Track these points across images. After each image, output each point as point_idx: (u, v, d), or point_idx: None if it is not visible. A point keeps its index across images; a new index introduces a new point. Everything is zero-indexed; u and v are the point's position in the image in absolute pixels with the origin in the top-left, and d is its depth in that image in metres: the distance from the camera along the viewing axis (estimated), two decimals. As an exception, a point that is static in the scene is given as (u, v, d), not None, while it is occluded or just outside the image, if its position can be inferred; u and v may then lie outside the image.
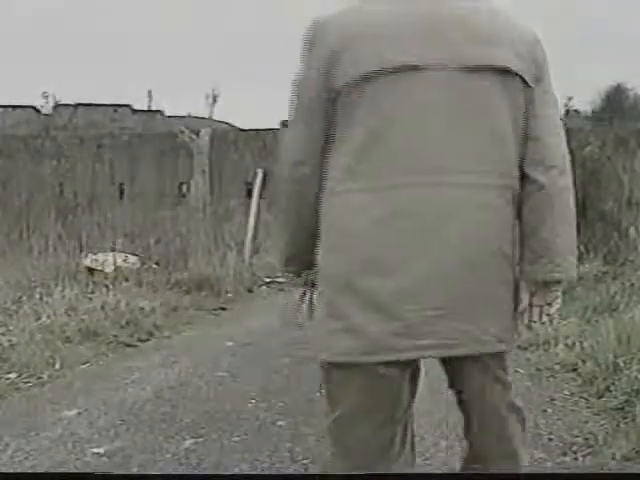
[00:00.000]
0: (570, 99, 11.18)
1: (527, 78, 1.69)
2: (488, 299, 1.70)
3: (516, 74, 1.67)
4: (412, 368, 1.72)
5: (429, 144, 1.64)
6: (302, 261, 1.82)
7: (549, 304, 1.84)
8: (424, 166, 1.63)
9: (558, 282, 1.78)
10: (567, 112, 11.06)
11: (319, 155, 1.71)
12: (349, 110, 1.66)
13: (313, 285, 1.81)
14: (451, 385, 1.83)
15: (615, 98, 23.42)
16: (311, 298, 1.86)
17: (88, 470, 2.92)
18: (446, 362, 1.76)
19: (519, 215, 1.73)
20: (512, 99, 1.69)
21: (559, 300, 1.86)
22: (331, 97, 1.67)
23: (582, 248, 8.87)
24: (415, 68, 1.63)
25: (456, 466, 2.18)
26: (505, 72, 1.66)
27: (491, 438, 1.78)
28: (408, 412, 1.76)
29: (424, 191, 1.63)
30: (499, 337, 1.72)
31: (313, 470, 2.92)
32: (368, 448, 1.71)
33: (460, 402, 1.82)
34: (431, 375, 1.99)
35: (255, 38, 66.22)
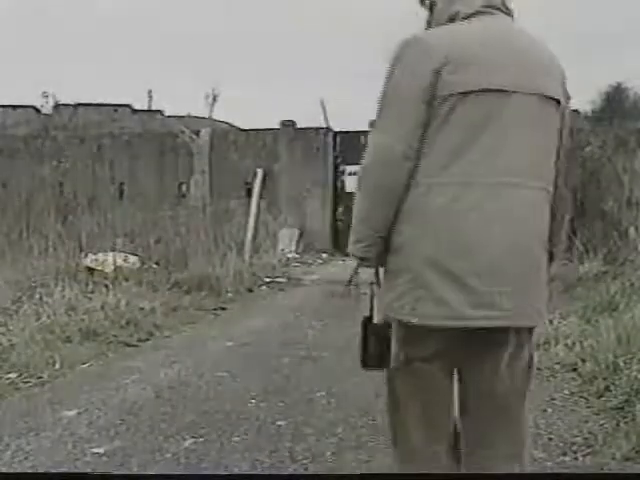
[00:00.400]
0: (569, 99, 11.20)
1: (562, 103, 2.18)
2: (537, 282, 2.10)
3: (559, 102, 2.15)
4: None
5: (505, 154, 2.05)
6: (380, 243, 2.12)
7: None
8: (498, 171, 2.04)
9: None
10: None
11: (417, 152, 2.06)
12: (446, 118, 2.04)
13: (381, 264, 2.15)
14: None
15: (615, 98, 23.42)
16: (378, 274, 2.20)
17: (88, 470, 2.92)
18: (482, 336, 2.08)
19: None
20: (559, 123, 2.18)
21: None
22: (432, 105, 2.03)
23: (582, 248, 8.88)
24: (506, 92, 2.05)
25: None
26: (557, 102, 2.14)
27: (518, 388, 2.20)
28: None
29: (496, 190, 2.03)
30: (540, 314, 2.14)
31: (313, 470, 2.93)
32: (432, 389, 2.14)
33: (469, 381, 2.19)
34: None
35: (255, 38, 66.20)
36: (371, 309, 2.18)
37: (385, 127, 2.14)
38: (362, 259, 2.20)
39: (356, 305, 4.73)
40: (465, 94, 2.03)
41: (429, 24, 2.27)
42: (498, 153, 2.05)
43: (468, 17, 2.18)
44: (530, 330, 2.18)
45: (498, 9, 2.19)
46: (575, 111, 11.17)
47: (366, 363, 2.17)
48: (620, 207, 9.16)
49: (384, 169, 2.09)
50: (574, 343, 4.97)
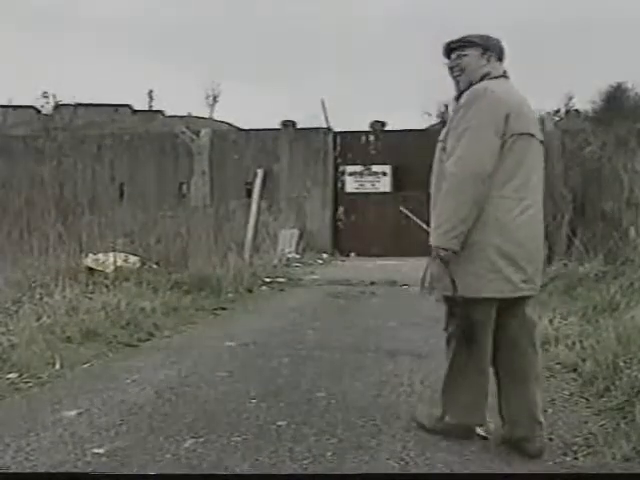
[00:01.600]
0: (570, 99, 11.20)
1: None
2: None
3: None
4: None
5: (534, 178, 3.20)
6: (463, 236, 3.06)
7: None
8: (534, 190, 3.20)
9: None
10: (567, 112, 11.03)
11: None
12: (506, 150, 3.09)
13: (455, 253, 3.07)
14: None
15: (615, 98, 23.42)
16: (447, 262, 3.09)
17: (89, 470, 2.92)
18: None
19: None
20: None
21: None
22: (501, 140, 3.08)
23: (582, 248, 8.87)
24: (534, 136, 3.20)
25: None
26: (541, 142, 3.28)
27: (527, 334, 3.29)
28: None
29: (534, 203, 3.19)
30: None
31: (313, 470, 2.93)
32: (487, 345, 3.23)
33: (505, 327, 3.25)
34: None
35: (256, 38, 66.23)
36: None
37: (475, 153, 3.05)
38: (452, 250, 3.07)
39: (355, 306, 4.74)
40: (520, 135, 3.11)
41: (459, 81, 3.29)
42: (531, 177, 3.17)
43: (495, 78, 3.24)
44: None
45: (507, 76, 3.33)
46: (576, 111, 11.15)
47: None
48: (620, 207, 9.15)
49: (478, 184, 3.03)
50: (574, 343, 4.97)
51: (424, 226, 10.21)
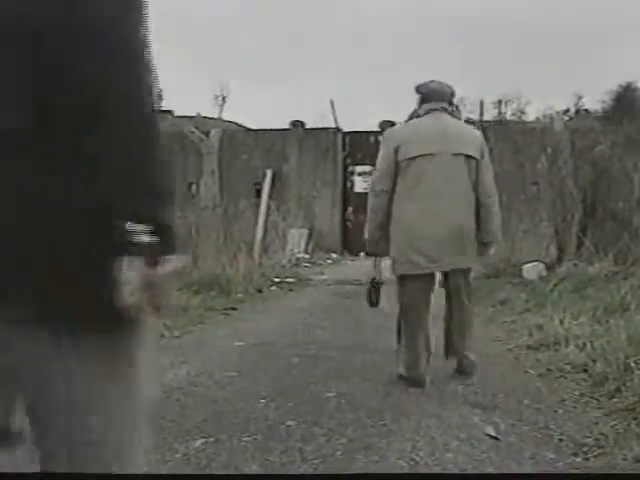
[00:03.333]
0: (580, 98, 11.14)
1: (476, 156, 4.32)
2: None
3: (471, 156, 4.29)
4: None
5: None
6: (381, 241, 4.36)
7: None
8: (430, 197, 4.20)
9: None
10: (577, 112, 10.97)
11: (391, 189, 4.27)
12: (403, 171, 4.22)
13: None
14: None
15: (625, 97, 23.31)
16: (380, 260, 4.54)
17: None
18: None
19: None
20: (472, 165, 4.30)
21: None
22: (397, 165, 4.23)
23: (592, 248, 8.84)
24: (430, 155, 4.19)
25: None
26: (469, 156, 4.29)
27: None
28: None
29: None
30: None
31: (323, 470, 2.92)
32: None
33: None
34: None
35: (265, 38, 66.27)
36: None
37: (377, 180, 4.38)
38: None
39: (364, 306, 4.74)
40: (412, 158, 4.22)
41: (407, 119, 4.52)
42: (432, 191, 4.24)
43: (422, 116, 4.38)
44: None
45: (441, 110, 4.35)
46: (586, 111, 11.12)
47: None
48: (631, 207, 9.11)
49: (377, 201, 4.36)
50: (585, 344, 4.95)
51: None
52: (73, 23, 1.12)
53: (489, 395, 4.09)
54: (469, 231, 4.27)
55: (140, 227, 1.18)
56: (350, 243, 18.18)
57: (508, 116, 10.96)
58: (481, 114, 11.15)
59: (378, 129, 18.81)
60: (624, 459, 2.98)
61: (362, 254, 17.66)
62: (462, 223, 4.23)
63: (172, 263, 1.24)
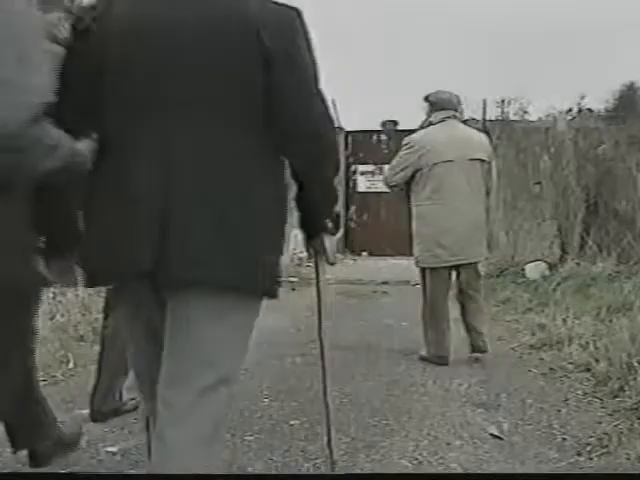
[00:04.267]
0: (583, 98, 11.10)
1: (486, 159, 4.99)
2: None
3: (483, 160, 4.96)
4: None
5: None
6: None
7: None
8: (453, 198, 4.84)
9: None
10: (580, 111, 10.95)
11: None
12: (426, 176, 4.82)
13: None
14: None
15: (628, 97, 23.26)
16: None
17: (102, 469, 2.94)
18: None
19: None
20: (485, 167, 4.98)
21: None
22: (418, 170, 4.85)
23: (595, 247, 8.83)
24: (451, 161, 4.78)
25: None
26: (481, 160, 4.96)
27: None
28: None
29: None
30: None
31: (326, 469, 2.93)
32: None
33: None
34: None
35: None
36: None
37: (397, 178, 5.01)
38: None
39: (367, 305, 4.75)
40: (435, 164, 4.79)
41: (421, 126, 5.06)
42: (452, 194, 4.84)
43: (435, 124, 4.91)
44: None
45: (452, 117, 4.94)
46: (589, 110, 11.11)
47: None
48: (634, 206, 9.10)
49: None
50: (588, 343, 4.95)
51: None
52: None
53: (492, 394, 4.09)
54: (483, 226, 4.94)
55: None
56: (353, 243, 18.17)
57: (511, 115, 10.93)
58: (484, 113, 11.11)
59: (380, 128, 18.86)
60: (627, 458, 2.98)
61: (364, 253, 17.71)
62: (479, 219, 4.89)
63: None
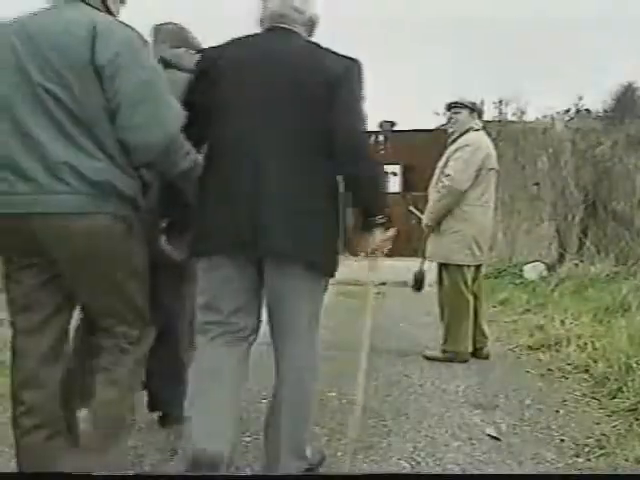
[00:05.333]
0: (581, 98, 11.10)
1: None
2: None
3: None
4: None
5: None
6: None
7: None
8: (490, 203, 5.21)
9: None
10: (578, 111, 10.95)
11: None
12: (478, 179, 5.06)
13: None
14: None
15: (626, 97, 23.27)
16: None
17: (102, 470, 2.93)
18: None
19: None
20: None
21: None
22: (479, 170, 5.08)
23: (593, 248, 8.84)
24: (494, 169, 5.30)
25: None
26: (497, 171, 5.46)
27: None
28: None
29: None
30: None
31: (324, 470, 2.93)
32: None
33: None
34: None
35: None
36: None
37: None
38: None
39: (365, 306, 4.72)
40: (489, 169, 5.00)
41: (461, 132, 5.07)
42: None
43: (477, 130, 5.09)
44: None
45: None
46: (587, 111, 11.11)
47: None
48: (632, 207, 9.10)
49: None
50: (586, 344, 4.95)
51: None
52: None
53: (490, 395, 4.10)
54: None
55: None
56: (351, 243, 18.14)
57: (509, 116, 10.93)
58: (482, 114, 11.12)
59: (378, 129, 18.83)
60: (625, 460, 2.99)
61: (362, 254, 17.70)
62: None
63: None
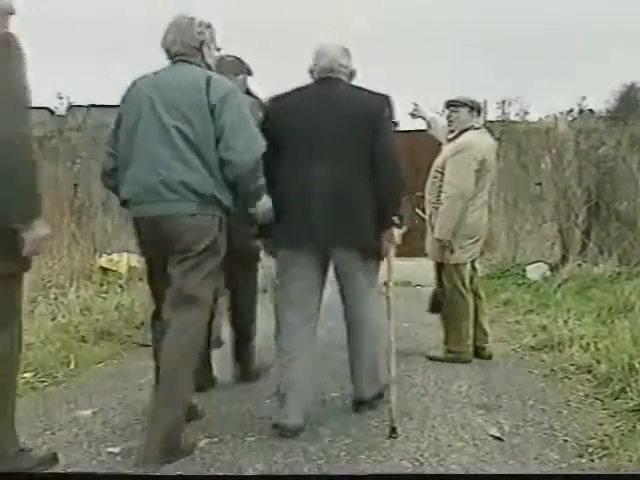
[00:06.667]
0: (584, 98, 11.04)
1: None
2: None
3: None
4: None
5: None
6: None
7: None
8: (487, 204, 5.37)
9: None
10: (581, 112, 10.90)
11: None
12: (477, 181, 5.06)
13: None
14: None
15: (629, 97, 23.22)
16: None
17: (103, 469, 2.94)
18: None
19: None
20: None
21: None
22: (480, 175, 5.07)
23: (596, 249, 8.82)
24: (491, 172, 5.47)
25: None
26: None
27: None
28: None
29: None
30: None
31: (327, 470, 2.93)
32: None
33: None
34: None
35: (266, 38, 66.29)
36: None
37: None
38: None
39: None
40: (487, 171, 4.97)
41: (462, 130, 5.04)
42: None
43: (477, 129, 5.02)
44: None
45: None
46: (590, 111, 11.08)
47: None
48: (635, 207, 9.08)
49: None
50: (589, 344, 4.94)
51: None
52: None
53: (493, 396, 4.09)
54: None
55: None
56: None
57: (512, 116, 10.90)
58: (485, 114, 11.10)
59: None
60: (629, 460, 2.98)
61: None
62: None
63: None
